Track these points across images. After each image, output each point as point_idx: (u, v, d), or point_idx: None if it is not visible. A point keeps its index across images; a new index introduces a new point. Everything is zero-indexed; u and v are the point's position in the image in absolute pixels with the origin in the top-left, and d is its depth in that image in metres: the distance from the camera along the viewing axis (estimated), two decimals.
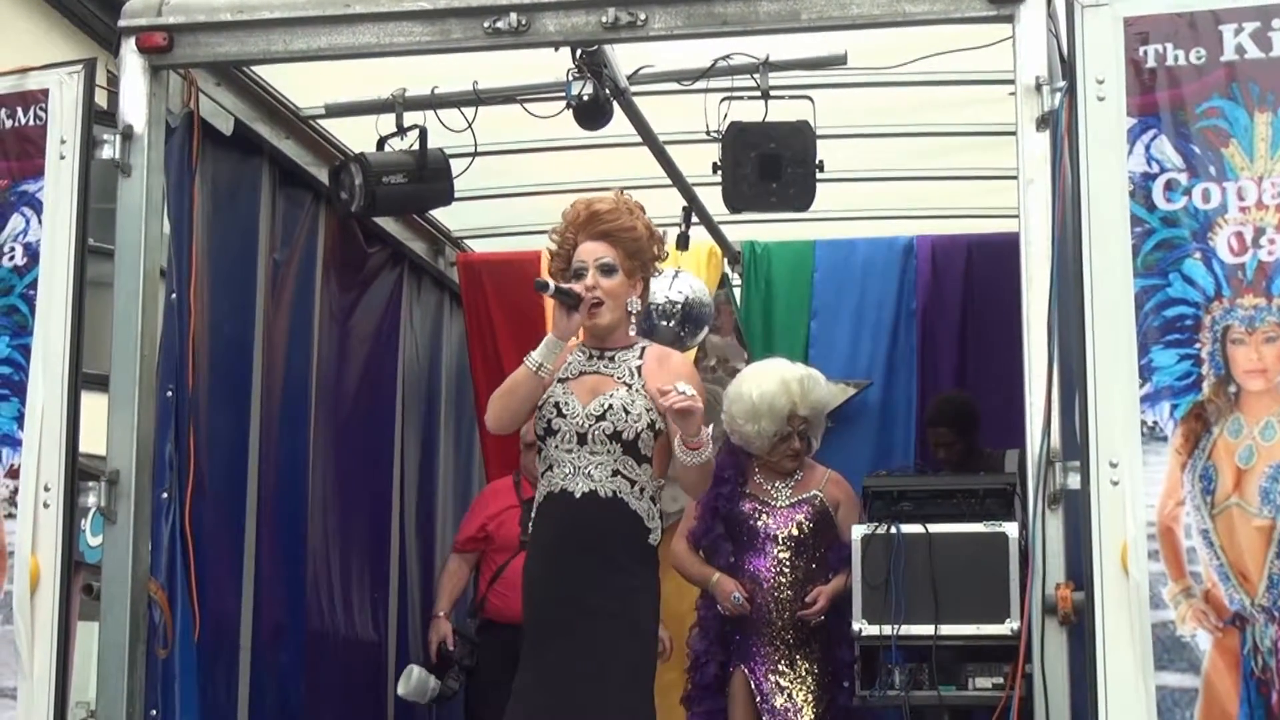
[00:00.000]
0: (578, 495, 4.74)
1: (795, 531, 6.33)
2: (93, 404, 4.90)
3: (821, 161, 5.93)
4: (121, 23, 5.15)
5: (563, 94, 5.67)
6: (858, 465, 6.74)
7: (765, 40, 5.52)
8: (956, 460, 6.82)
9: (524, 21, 4.96)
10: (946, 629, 5.67)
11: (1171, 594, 4.16)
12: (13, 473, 4.82)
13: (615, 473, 4.74)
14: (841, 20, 4.88)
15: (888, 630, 5.71)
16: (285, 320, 6.14)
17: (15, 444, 4.83)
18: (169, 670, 5.02)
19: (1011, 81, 4.67)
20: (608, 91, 5.65)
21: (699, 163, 6.21)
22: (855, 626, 5.79)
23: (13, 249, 4.95)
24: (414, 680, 6.65)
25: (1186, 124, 4.34)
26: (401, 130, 5.96)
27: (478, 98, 5.91)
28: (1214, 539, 4.15)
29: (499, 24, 4.97)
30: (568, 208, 4.96)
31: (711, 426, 4.79)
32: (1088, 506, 4.23)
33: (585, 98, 5.63)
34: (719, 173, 5.99)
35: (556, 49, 5.35)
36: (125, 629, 4.87)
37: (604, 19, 4.92)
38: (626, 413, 4.75)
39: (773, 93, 5.80)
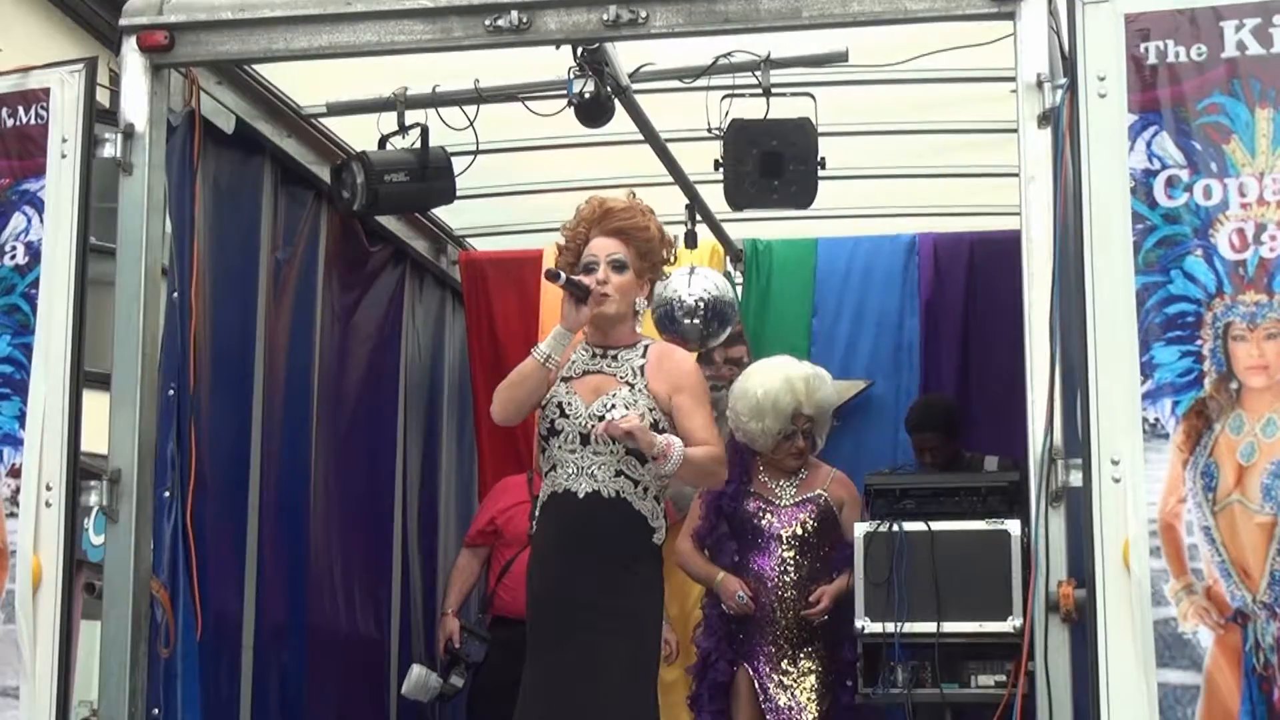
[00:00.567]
0: (581, 495, 4.75)
1: (799, 530, 6.33)
2: (94, 403, 4.90)
3: (823, 159, 5.93)
4: (122, 21, 5.15)
5: (564, 92, 5.67)
6: (859, 463, 6.74)
7: (767, 38, 5.52)
8: (942, 465, 6.79)
9: (525, 19, 4.96)
10: (949, 627, 5.68)
11: (1173, 591, 4.16)
12: (14, 472, 4.82)
13: (618, 473, 4.74)
14: (843, 17, 4.87)
15: (890, 628, 5.72)
16: (287, 319, 6.14)
17: (17, 443, 4.82)
18: (171, 669, 5.02)
19: (1013, 79, 4.67)
20: (609, 89, 5.65)
21: (701, 160, 6.20)
22: (858, 624, 5.80)
23: (14, 248, 4.95)
24: (415, 679, 6.66)
25: (1187, 120, 4.34)
26: (403, 129, 5.96)
27: (479, 96, 5.91)
28: (1215, 536, 4.15)
29: (500, 22, 4.97)
30: (581, 203, 4.96)
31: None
32: (1089, 504, 4.23)
33: (587, 96, 5.63)
34: (720, 170, 5.99)
35: (558, 47, 5.35)
36: (127, 628, 4.87)
37: (605, 17, 4.92)
38: (629, 412, 4.74)
39: (774, 90, 5.80)
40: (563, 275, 4.76)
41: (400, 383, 7.27)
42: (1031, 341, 4.47)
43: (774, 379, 6.36)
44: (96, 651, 4.90)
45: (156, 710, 4.96)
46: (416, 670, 6.70)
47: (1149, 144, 4.35)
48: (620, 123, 5.92)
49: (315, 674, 6.20)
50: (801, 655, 6.28)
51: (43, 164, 4.94)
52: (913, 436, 6.93)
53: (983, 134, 6.54)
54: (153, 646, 4.94)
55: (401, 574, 7.16)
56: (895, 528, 5.80)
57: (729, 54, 5.68)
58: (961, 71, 5.97)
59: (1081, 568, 4.27)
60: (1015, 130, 4.65)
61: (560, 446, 4.79)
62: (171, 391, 5.14)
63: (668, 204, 6.34)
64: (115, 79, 5.17)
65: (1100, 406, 4.25)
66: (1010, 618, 5.56)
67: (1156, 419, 4.23)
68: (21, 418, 4.83)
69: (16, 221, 4.96)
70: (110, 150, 5.02)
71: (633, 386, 4.80)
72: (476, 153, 6.07)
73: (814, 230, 7.54)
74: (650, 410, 4.77)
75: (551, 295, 7.22)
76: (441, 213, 7.19)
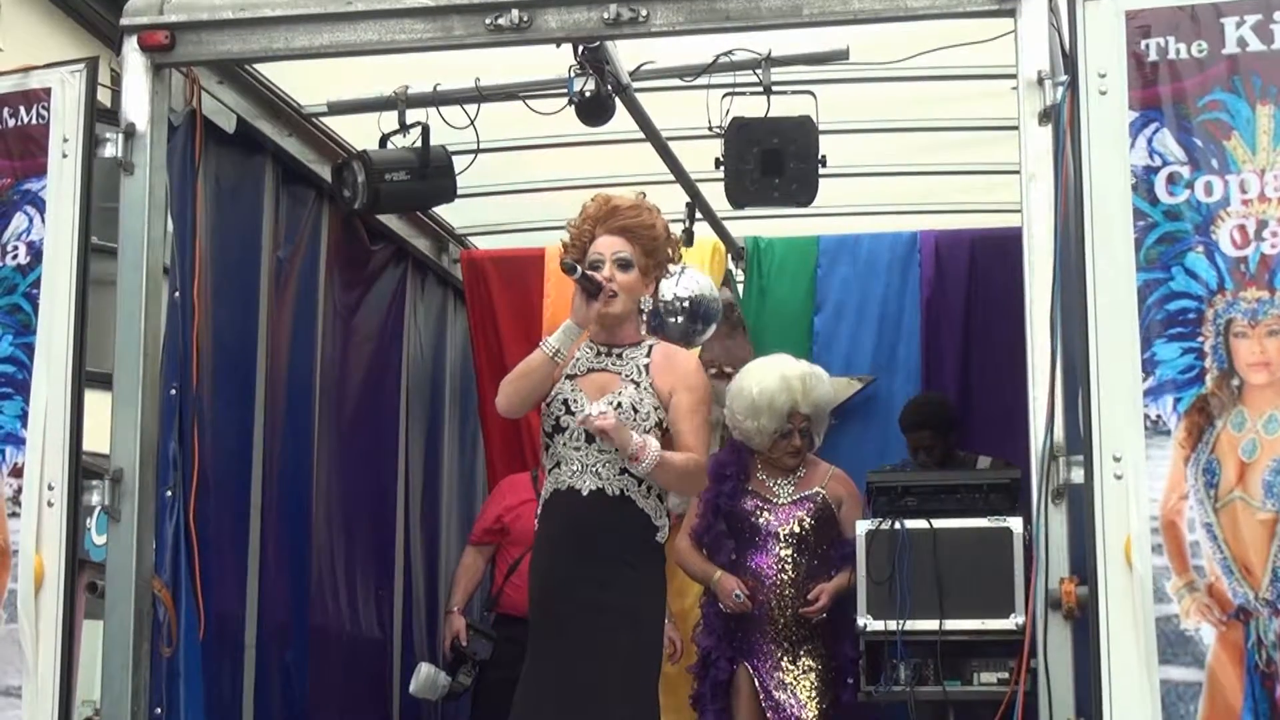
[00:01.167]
0: (585, 493, 4.75)
1: (797, 528, 6.32)
2: (96, 402, 4.90)
3: (824, 156, 5.93)
4: (123, 21, 5.16)
5: (565, 90, 5.67)
6: (861, 461, 6.74)
7: (767, 35, 5.52)
8: (936, 463, 6.79)
9: (526, 18, 4.96)
10: (951, 624, 5.68)
11: (1175, 588, 4.16)
12: (16, 471, 4.82)
13: (623, 471, 4.74)
14: (843, 15, 4.88)
15: (892, 625, 5.72)
16: (289, 318, 6.14)
17: (19, 443, 4.83)
18: (173, 668, 5.02)
19: (1013, 76, 4.67)
20: (610, 88, 5.65)
21: (701, 158, 6.20)
22: (860, 622, 5.80)
23: (16, 248, 4.95)
24: (424, 677, 6.66)
25: (1188, 117, 4.34)
26: (404, 127, 5.97)
27: (480, 94, 5.91)
28: (1217, 533, 4.15)
29: (501, 20, 4.97)
30: (587, 201, 4.96)
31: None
32: (1091, 501, 4.22)
33: (587, 94, 5.63)
34: (721, 168, 6.00)
35: (558, 45, 5.35)
36: (130, 627, 4.87)
37: (606, 15, 4.92)
38: (635, 410, 4.75)
39: (775, 88, 5.80)
40: (578, 268, 4.76)
41: (402, 381, 7.27)
42: (1033, 338, 4.47)
43: (770, 377, 6.36)
44: (99, 651, 4.91)
45: (159, 710, 4.96)
46: (425, 669, 6.69)
47: (1150, 141, 4.35)
48: (621, 121, 5.93)
49: (317, 673, 6.20)
50: (801, 653, 6.28)
51: (44, 164, 4.94)
52: (907, 435, 6.93)
53: (984, 131, 6.55)
54: (155, 646, 4.95)
55: (404, 572, 7.16)
56: (897, 525, 5.80)
57: (729, 52, 5.68)
58: (962, 69, 5.97)
59: (1083, 565, 4.26)
60: (1016, 127, 4.65)
61: (565, 444, 4.80)
62: (173, 391, 5.15)
63: (669, 202, 6.34)
64: (116, 79, 5.17)
65: (1102, 403, 4.25)
66: (1012, 615, 5.56)
67: (1158, 416, 4.23)
68: (23, 417, 4.83)
69: (18, 221, 4.97)
70: (111, 150, 5.02)
71: (638, 385, 4.80)
72: (477, 151, 6.07)
73: (815, 228, 7.54)
74: (655, 409, 4.77)
75: (555, 293, 7.24)
76: (443, 211, 7.19)
